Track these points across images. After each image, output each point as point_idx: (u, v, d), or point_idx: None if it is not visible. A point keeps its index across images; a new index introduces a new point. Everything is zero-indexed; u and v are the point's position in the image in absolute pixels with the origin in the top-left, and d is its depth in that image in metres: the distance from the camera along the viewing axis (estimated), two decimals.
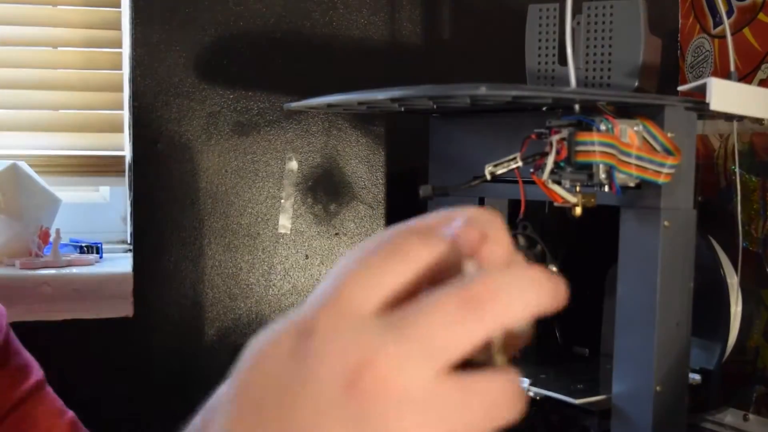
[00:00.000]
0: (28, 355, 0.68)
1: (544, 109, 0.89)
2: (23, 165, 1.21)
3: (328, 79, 1.09)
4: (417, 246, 0.32)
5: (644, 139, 0.82)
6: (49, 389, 0.68)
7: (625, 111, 0.85)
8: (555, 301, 0.31)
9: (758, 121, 1.05)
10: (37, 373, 0.68)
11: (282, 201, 1.26)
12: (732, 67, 1.10)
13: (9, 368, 0.63)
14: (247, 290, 1.25)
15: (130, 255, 1.25)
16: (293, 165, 1.26)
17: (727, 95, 0.90)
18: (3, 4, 1.27)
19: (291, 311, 0.32)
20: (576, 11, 0.95)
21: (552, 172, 0.81)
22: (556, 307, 0.31)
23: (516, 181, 0.86)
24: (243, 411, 0.32)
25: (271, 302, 1.26)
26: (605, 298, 0.96)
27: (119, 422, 1.14)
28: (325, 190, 1.28)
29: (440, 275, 0.33)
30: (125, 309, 1.17)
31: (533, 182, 0.83)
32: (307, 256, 1.27)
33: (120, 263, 1.24)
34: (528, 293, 0.30)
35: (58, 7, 1.29)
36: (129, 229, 1.31)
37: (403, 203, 1.29)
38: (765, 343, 1.12)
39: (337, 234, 1.29)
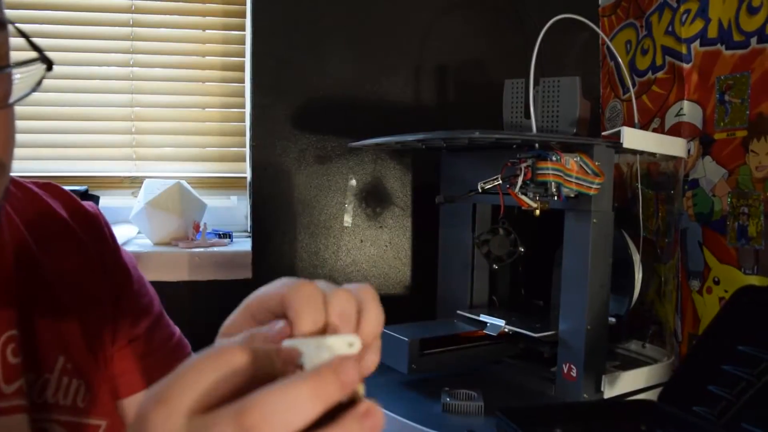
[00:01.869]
0: (151, 291, 0.62)
1: (515, 146, 0.88)
2: (184, 183, 1.22)
3: (375, 127, 1.09)
4: (216, 362, 0.28)
5: (580, 166, 0.81)
6: (165, 317, 0.63)
7: (568, 148, 0.84)
8: (322, 406, 0.26)
9: (652, 154, 1.04)
10: (158, 306, 0.62)
11: (346, 205, 1.26)
12: (636, 120, 1.08)
13: (137, 305, 0.58)
14: (323, 263, 1.25)
15: (249, 239, 1.26)
16: (353, 182, 1.26)
17: (633, 138, 0.89)
18: (172, 82, 1.29)
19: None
20: (535, 84, 0.94)
21: (521, 187, 0.81)
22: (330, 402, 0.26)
23: (497, 193, 0.86)
24: None
25: (339, 270, 1.26)
26: (554, 269, 0.95)
27: None
28: (373, 198, 1.28)
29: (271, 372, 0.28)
30: (246, 273, 1.18)
31: (509, 194, 0.82)
32: (361, 241, 1.27)
33: (243, 244, 1.24)
34: (293, 415, 0.25)
35: (206, 84, 1.31)
36: (249, 223, 1.32)
37: (423, 207, 1.28)
38: (657, 298, 1.10)
39: (380, 227, 1.28)
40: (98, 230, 0.58)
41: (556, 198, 0.81)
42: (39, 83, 0.42)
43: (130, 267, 0.60)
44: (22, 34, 0.42)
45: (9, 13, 0.43)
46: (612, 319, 0.94)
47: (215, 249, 1.18)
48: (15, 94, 0.42)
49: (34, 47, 0.42)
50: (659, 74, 1.16)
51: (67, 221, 0.56)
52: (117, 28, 1.26)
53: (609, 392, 0.88)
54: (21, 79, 0.42)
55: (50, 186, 0.58)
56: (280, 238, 1.23)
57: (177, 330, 0.63)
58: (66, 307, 0.51)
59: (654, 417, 0.73)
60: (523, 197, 0.81)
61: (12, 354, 0.46)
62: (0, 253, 0.49)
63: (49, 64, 0.42)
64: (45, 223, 0.54)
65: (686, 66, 1.09)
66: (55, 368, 0.48)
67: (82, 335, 0.52)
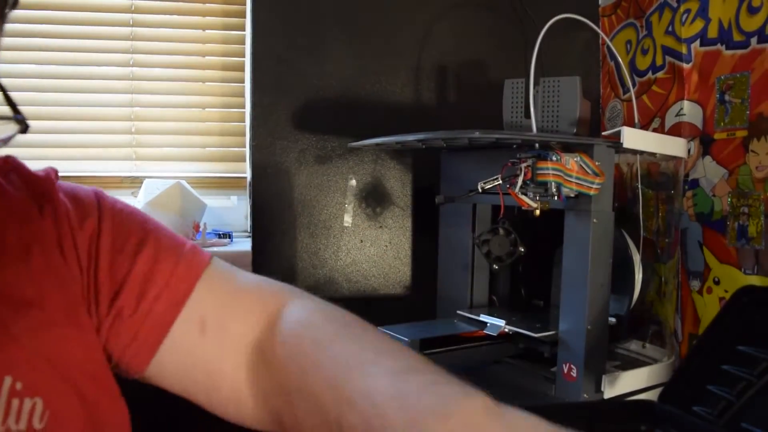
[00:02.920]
0: (136, 217, 0.53)
1: (515, 146, 0.88)
2: (184, 183, 1.22)
3: (376, 127, 1.09)
4: None
5: (581, 165, 0.81)
6: (160, 230, 0.55)
7: (568, 147, 0.84)
8: None
9: (652, 154, 1.04)
10: (151, 225, 0.54)
11: (346, 205, 1.26)
12: (636, 120, 1.08)
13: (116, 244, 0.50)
14: (323, 263, 1.25)
15: (249, 239, 1.26)
16: (353, 182, 1.26)
17: (633, 138, 0.89)
18: (172, 82, 1.29)
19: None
20: (536, 84, 0.94)
21: (521, 187, 0.81)
22: None
23: (497, 193, 0.86)
24: None
25: (338, 270, 1.26)
26: (554, 269, 0.95)
27: None
28: (374, 198, 1.28)
29: None
30: None
31: (509, 194, 0.82)
32: (361, 241, 1.27)
33: (243, 245, 1.24)
34: None
35: (207, 84, 1.31)
36: (249, 223, 1.32)
37: (423, 207, 1.28)
38: (657, 298, 1.10)
39: (380, 227, 1.28)
40: (51, 194, 0.50)
41: (556, 198, 0.81)
42: (7, 141, 0.39)
43: (99, 212, 0.51)
44: (3, 91, 0.39)
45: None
46: (612, 319, 0.94)
47: (215, 249, 1.18)
48: None
49: (12, 105, 0.39)
50: (659, 74, 1.16)
51: (21, 201, 0.48)
52: (117, 28, 1.26)
53: (609, 392, 0.88)
54: None
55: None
56: (280, 238, 1.23)
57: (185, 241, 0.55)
58: (12, 320, 0.44)
59: (654, 417, 0.73)
60: (523, 197, 0.81)
61: None
62: None
63: (25, 129, 0.39)
64: None
65: (686, 66, 1.09)
66: (1, 391, 0.42)
67: (37, 347, 0.44)
